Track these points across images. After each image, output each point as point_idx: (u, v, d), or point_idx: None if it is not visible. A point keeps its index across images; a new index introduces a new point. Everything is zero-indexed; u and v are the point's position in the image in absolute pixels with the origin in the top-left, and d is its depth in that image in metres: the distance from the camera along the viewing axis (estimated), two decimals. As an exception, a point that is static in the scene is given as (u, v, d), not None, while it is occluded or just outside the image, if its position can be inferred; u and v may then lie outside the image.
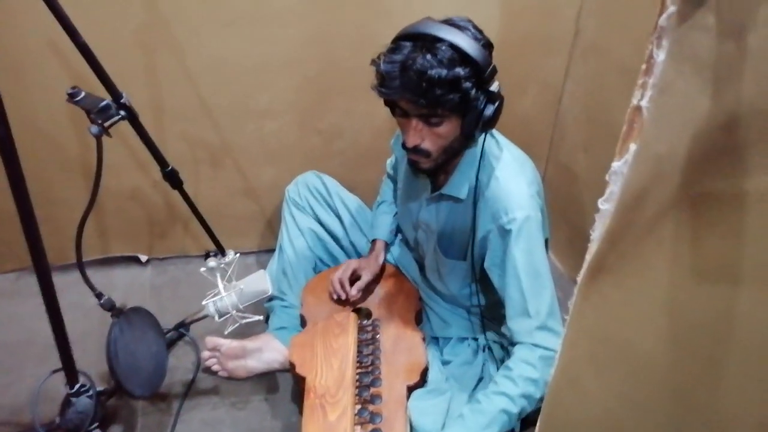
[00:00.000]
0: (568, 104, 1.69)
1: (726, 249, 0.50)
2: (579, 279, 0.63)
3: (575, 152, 1.67)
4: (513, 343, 1.13)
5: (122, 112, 1.11)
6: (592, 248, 0.60)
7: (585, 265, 0.62)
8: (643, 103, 0.50)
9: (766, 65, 0.42)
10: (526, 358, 1.08)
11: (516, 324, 1.12)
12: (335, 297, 1.38)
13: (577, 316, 0.66)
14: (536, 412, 1.07)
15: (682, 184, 0.51)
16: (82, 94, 1.05)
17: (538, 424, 0.78)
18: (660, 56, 0.47)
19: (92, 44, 1.10)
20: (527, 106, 1.72)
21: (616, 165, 0.55)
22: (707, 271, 0.52)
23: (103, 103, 1.06)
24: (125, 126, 1.23)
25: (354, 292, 1.37)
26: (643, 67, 0.49)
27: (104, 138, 1.05)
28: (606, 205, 0.58)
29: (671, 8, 0.44)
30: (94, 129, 1.02)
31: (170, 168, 1.35)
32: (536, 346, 1.08)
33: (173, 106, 1.49)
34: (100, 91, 1.14)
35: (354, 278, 1.41)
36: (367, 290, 1.42)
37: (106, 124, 1.05)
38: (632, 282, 0.60)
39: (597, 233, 0.59)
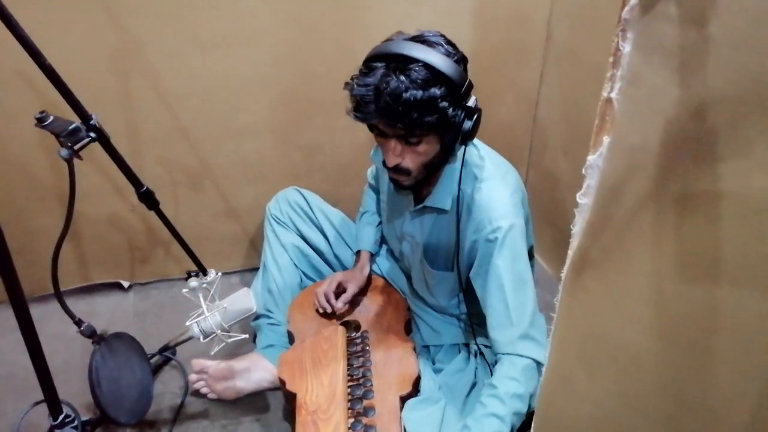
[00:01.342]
0: (545, 109, 1.71)
1: (705, 239, 0.50)
2: (563, 275, 0.63)
3: (555, 156, 1.69)
4: (496, 353, 1.12)
5: (92, 134, 1.10)
6: (574, 243, 0.60)
7: (568, 261, 0.62)
8: (614, 95, 0.51)
9: (729, 52, 0.42)
10: (509, 373, 1.06)
11: (499, 333, 1.11)
12: (321, 311, 1.37)
13: (564, 312, 0.66)
14: (530, 415, 1.07)
15: (657, 174, 0.51)
16: (51, 118, 1.04)
17: (533, 424, 0.77)
18: (626, 48, 0.47)
19: (64, 70, 1.09)
20: (505, 113, 1.73)
21: (591, 158, 0.55)
22: (689, 262, 0.52)
23: (73, 125, 1.05)
24: (100, 153, 1.22)
25: (340, 305, 1.36)
26: (611, 59, 0.49)
27: (79, 164, 1.04)
28: (584, 200, 0.58)
29: (633, 0, 0.45)
30: (64, 152, 1.01)
31: (145, 188, 1.33)
32: (519, 356, 1.07)
33: (149, 129, 1.48)
34: (71, 116, 1.13)
35: (340, 291, 1.40)
36: (354, 302, 1.41)
37: (77, 147, 1.04)
38: (616, 276, 0.60)
39: (578, 228, 0.59)
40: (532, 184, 1.81)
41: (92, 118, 1.12)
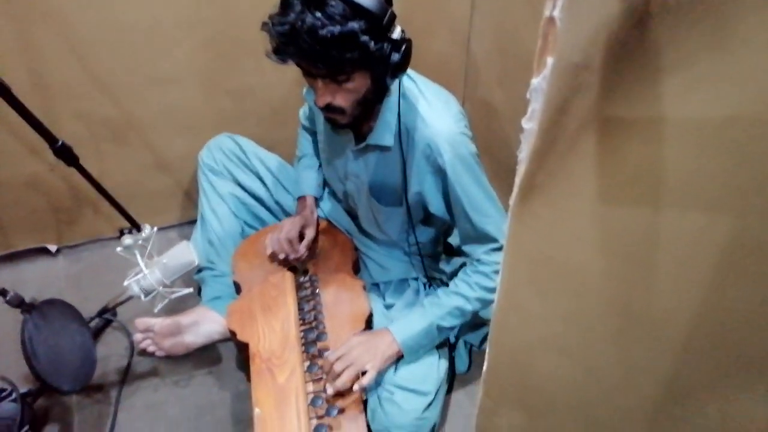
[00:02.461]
0: (478, 40, 1.68)
1: (646, 159, 0.51)
2: (511, 202, 0.63)
3: (491, 87, 1.69)
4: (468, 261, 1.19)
5: (-12, 87, 0.99)
6: (521, 169, 0.59)
7: (515, 188, 0.62)
8: (556, 14, 0.49)
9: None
10: (481, 269, 1.15)
11: (470, 248, 1.17)
12: (282, 257, 1.32)
13: (513, 239, 0.67)
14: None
15: (600, 93, 0.51)
16: None
17: (486, 350, 0.79)
18: (568, -39, 0.46)
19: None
20: (437, 47, 1.70)
21: (535, 81, 0.54)
22: (631, 182, 0.53)
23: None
24: (5, 110, 1.11)
25: (303, 249, 1.32)
26: (553, -25, 0.47)
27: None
28: (529, 124, 0.57)
29: None
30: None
31: (60, 143, 1.22)
32: (494, 262, 1.13)
33: (61, 82, 1.35)
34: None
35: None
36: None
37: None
38: (562, 199, 0.60)
39: (524, 154, 0.59)
40: (470, 116, 1.78)
41: (-15, 68, 1.01)
